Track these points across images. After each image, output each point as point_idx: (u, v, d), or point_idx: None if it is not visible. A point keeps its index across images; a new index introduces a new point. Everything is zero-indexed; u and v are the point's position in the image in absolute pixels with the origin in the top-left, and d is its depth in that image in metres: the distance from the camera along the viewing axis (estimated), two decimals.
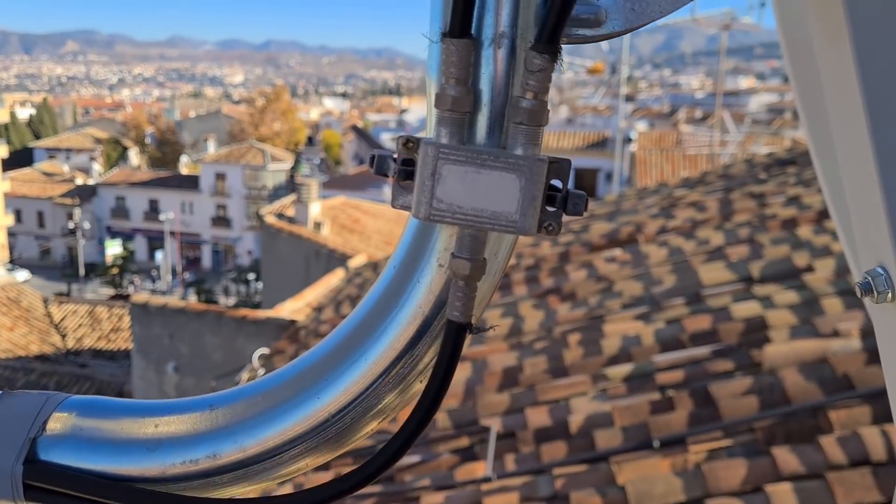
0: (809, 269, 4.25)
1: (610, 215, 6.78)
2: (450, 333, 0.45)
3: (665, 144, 23.73)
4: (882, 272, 0.49)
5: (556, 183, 0.43)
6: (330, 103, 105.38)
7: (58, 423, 0.49)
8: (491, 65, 0.42)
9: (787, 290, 4.10)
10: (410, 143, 0.43)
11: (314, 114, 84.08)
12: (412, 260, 0.46)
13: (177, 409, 0.49)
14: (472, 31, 0.42)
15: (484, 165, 0.41)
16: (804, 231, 4.81)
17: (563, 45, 0.42)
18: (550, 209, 0.43)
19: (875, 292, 0.50)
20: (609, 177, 23.96)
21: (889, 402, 0.55)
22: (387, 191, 28.37)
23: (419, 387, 0.47)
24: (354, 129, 62.58)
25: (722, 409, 3.38)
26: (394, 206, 0.44)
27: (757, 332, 3.82)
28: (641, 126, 28.84)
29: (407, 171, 0.43)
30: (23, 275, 35.15)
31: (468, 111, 0.42)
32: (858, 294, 0.51)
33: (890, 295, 0.49)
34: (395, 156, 0.43)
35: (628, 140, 23.30)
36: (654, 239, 5.57)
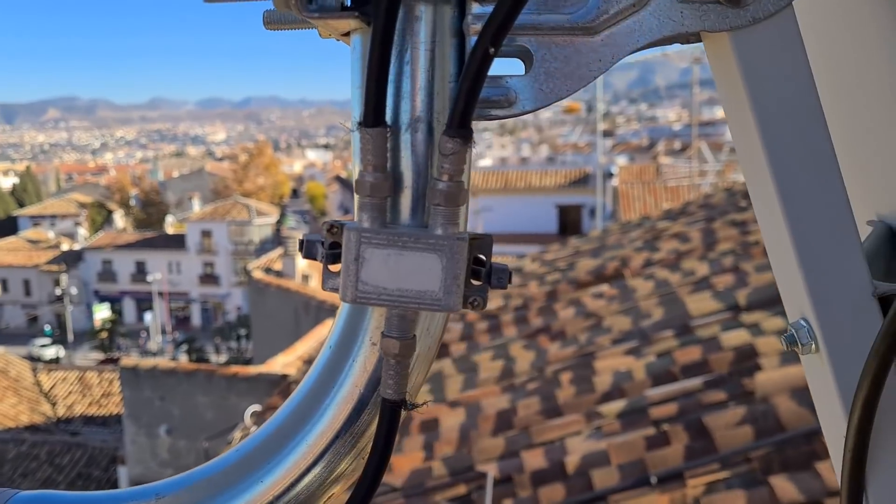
0: None
1: (595, 251, 6.82)
2: (385, 411, 0.45)
3: (646, 177, 24.01)
4: (805, 324, 0.51)
5: (481, 257, 0.44)
6: (312, 155, 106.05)
7: None
8: (409, 148, 0.43)
9: (775, 316, 4.12)
10: (335, 229, 0.44)
11: (297, 166, 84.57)
12: (347, 340, 0.47)
13: (124, 500, 0.49)
14: (389, 119, 0.43)
15: (405, 247, 0.42)
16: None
17: (475, 125, 0.43)
18: (476, 283, 0.44)
19: (799, 344, 0.51)
20: (593, 212, 24.15)
21: None
22: None
23: (360, 464, 0.48)
24: (338, 179, 62.94)
25: (717, 440, 3.37)
26: (324, 289, 0.45)
27: (747, 360, 3.83)
28: (622, 160, 29.21)
29: (334, 254, 0.44)
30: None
31: (387, 195, 0.43)
32: (785, 347, 0.52)
33: (813, 346, 0.51)
34: (322, 240, 0.44)
35: (610, 175, 23.56)
36: (640, 273, 5.61)
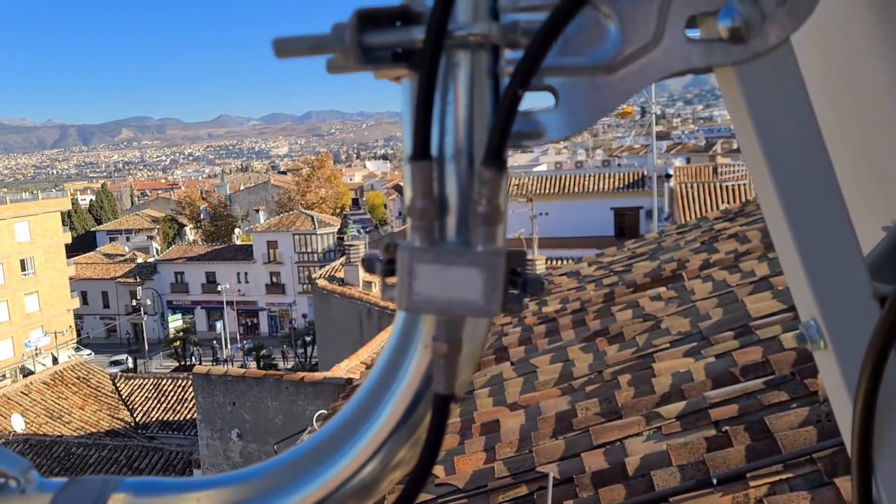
0: None
1: (652, 253, 6.78)
2: (436, 404, 0.52)
3: (703, 178, 23.53)
4: (813, 324, 0.57)
5: (518, 268, 0.51)
6: (372, 166, 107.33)
7: (117, 503, 0.58)
8: (454, 176, 0.50)
9: None
10: (391, 247, 0.51)
11: (358, 177, 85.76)
12: (403, 344, 0.55)
13: (216, 484, 0.58)
14: (435, 151, 0.50)
15: (451, 263, 0.49)
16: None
17: (511, 152, 0.50)
18: (513, 292, 0.50)
19: (810, 342, 0.57)
20: (650, 214, 23.77)
21: None
22: None
23: (416, 452, 0.55)
24: (397, 188, 63.58)
25: (780, 441, 3.34)
26: (383, 299, 0.53)
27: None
28: (678, 162, 28.70)
29: (390, 269, 0.50)
30: (85, 353, 36.41)
31: (434, 219, 0.50)
32: (797, 344, 0.59)
33: (822, 343, 0.56)
34: (381, 257, 0.52)
35: (667, 176, 23.15)
36: (697, 274, 5.56)
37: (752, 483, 3.21)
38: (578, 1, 0.48)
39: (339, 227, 46.92)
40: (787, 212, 0.55)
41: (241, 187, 73.84)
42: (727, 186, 21.14)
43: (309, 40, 0.51)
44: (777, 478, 3.18)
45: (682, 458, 3.48)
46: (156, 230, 58.33)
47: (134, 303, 45.32)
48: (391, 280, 0.50)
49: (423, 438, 0.53)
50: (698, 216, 10.77)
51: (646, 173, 26.75)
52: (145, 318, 43.20)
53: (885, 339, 0.52)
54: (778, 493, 3.11)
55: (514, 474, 3.91)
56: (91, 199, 75.13)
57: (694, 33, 0.52)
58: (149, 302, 44.81)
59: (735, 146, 33.15)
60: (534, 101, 0.53)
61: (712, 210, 16.83)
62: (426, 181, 0.49)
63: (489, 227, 0.49)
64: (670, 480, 3.41)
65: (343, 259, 16.16)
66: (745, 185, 20.33)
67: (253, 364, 33.87)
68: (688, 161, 30.75)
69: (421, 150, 0.49)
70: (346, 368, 8.97)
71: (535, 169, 33.08)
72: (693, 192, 21.73)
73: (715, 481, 3.25)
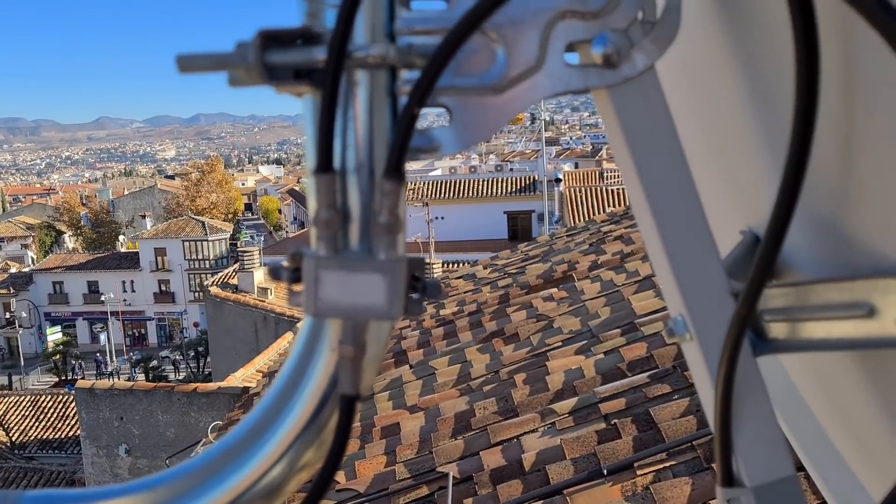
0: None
1: (544, 255, 7.01)
2: (343, 404, 0.54)
3: (590, 182, 24.48)
4: (681, 319, 0.63)
5: (418, 274, 0.54)
6: (265, 170, 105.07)
7: None
8: (356, 188, 0.53)
9: None
10: (297, 256, 0.53)
11: (250, 182, 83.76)
12: (310, 348, 0.58)
13: (121, 493, 0.59)
14: (338, 164, 0.53)
15: (355, 269, 0.52)
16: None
17: (407, 167, 0.53)
18: (414, 296, 0.52)
19: (678, 335, 0.63)
20: (541, 217, 24.46)
21: None
22: None
23: (323, 452, 0.58)
24: (291, 193, 62.48)
25: (664, 431, 3.54)
26: (290, 305, 0.55)
27: None
28: (567, 167, 29.70)
29: (297, 276, 0.53)
30: None
31: (338, 228, 0.53)
32: (666, 338, 0.66)
33: (688, 335, 0.63)
34: (287, 266, 0.54)
35: (557, 181, 23.92)
36: (587, 275, 5.80)
37: (639, 472, 3.39)
38: (469, 27, 0.51)
39: (231, 232, 45.64)
40: (655, 218, 0.60)
41: (126, 192, 70.55)
42: (612, 190, 22.06)
43: (212, 58, 0.53)
44: (661, 466, 3.38)
45: (575, 452, 3.64)
46: (31, 238, 54.85)
47: (7, 315, 42.40)
48: (298, 287, 0.53)
49: (330, 439, 0.56)
50: (586, 219, 11.20)
51: (537, 178, 27.51)
52: (20, 332, 40.55)
53: (739, 330, 0.59)
54: (663, 480, 3.30)
55: (414, 476, 3.96)
56: None
57: (573, 58, 0.57)
58: (24, 314, 42.06)
59: None
60: (429, 118, 0.58)
61: (599, 213, 17.52)
62: (329, 193, 0.52)
63: (390, 235, 0.52)
64: (564, 473, 3.55)
65: (236, 266, 15.75)
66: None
67: (141, 377, 32.44)
68: (576, 166, 31.88)
69: (324, 163, 0.52)
70: (241, 377, 8.77)
71: (431, 174, 33.37)
72: (581, 196, 22.54)
73: (605, 472, 3.42)
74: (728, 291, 0.62)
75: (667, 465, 3.37)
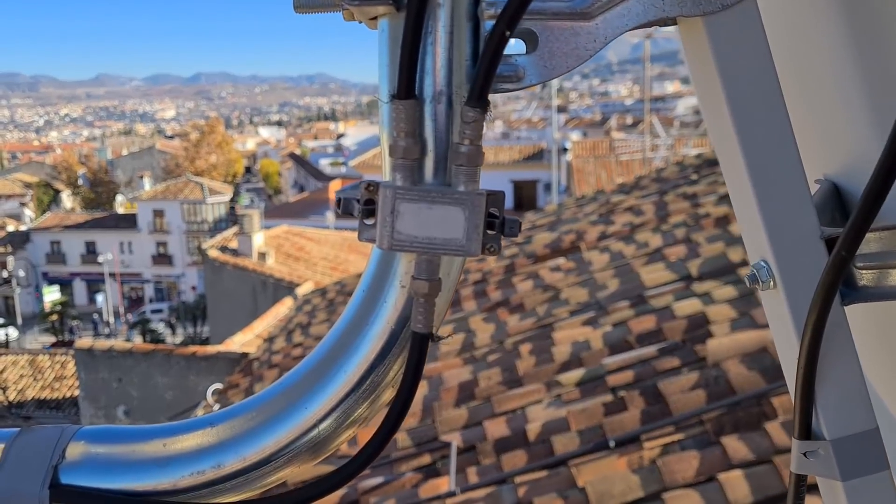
0: (744, 263, 4.43)
1: (551, 225, 6.92)
2: (415, 343, 0.53)
3: (599, 152, 24.28)
4: (764, 265, 0.60)
5: (494, 211, 0.52)
6: (265, 132, 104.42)
7: (75, 450, 0.56)
8: (433, 118, 0.51)
9: (725, 285, 4.27)
10: (371, 187, 0.51)
11: (250, 144, 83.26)
12: (378, 284, 0.55)
13: (181, 430, 0.56)
14: (416, 92, 0.50)
15: (434, 202, 0.50)
16: (737, 227, 5.01)
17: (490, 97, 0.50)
18: (491, 233, 0.51)
19: (760, 282, 0.60)
20: (548, 187, 24.37)
21: None
22: (329, 216, 28.22)
23: (390, 393, 0.56)
24: (292, 156, 62.18)
25: (672, 404, 3.50)
26: (360, 240, 0.52)
27: (699, 327, 3.97)
28: (575, 136, 29.47)
29: (369, 209, 0.51)
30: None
31: (417, 157, 0.50)
32: (748, 284, 0.62)
33: (772, 283, 0.60)
34: (359, 197, 0.51)
35: (564, 150, 23.76)
36: (595, 245, 5.72)
37: (646, 445, 3.35)
38: None
39: (231, 195, 45.45)
40: (745, 156, 0.58)
41: (124, 152, 70.13)
42: (623, 161, 21.89)
43: None
44: (669, 439, 3.34)
45: (581, 423, 3.60)
46: (29, 196, 54.61)
47: (5, 274, 42.38)
48: (369, 220, 0.51)
49: (399, 378, 0.54)
50: (594, 189, 11.08)
51: (544, 146, 27.29)
52: (18, 291, 40.56)
53: (835, 276, 0.56)
54: (670, 454, 3.26)
55: (417, 444, 3.92)
56: None
57: None
58: (22, 273, 42.04)
59: (630, 122, 34.34)
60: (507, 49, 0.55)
61: (608, 183, 17.40)
62: (411, 120, 0.50)
63: (471, 167, 0.50)
64: (570, 445, 3.51)
65: (236, 229, 15.65)
66: (639, 160, 21.11)
67: (138, 339, 32.54)
68: (584, 135, 31.60)
69: (406, 89, 0.50)
70: (240, 342, 8.73)
71: None
72: (589, 166, 22.37)
73: (612, 444, 3.38)
74: (820, 236, 0.59)
75: (675, 438, 3.33)
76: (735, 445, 3.11)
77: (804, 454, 0.60)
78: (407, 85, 0.49)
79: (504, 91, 0.54)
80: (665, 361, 3.81)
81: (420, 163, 0.51)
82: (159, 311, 38.64)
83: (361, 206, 0.51)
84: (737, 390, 3.42)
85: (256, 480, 0.56)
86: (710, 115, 0.61)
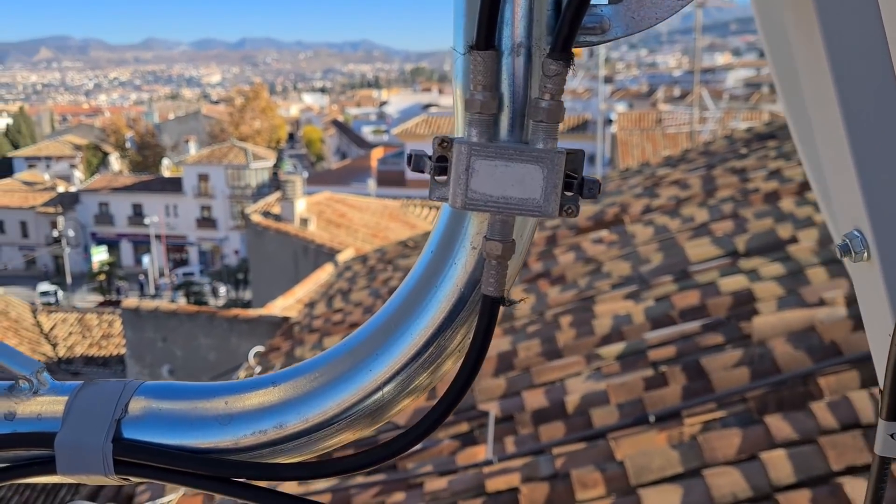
0: (793, 240, 4.32)
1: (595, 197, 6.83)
2: (486, 306, 0.51)
3: (645, 124, 23.84)
4: (858, 234, 0.56)
5: (572, 171, 0.50)
6: (309, 99, 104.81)
7: (137, 405, 0.56)
8: (511, 71, 0.48)
9: (773, 262, 4.17)
10: (445, 143, 0.49)
11: (294, 110, 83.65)
12: (447, 244, 0.53)
13: (243, 388, 0.56)
14: (495, 43, 0.48)
15: (511, 159, 0.48)
16: (787, 203, 4.89)
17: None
18: (568, 194, 0.49)
19: (853, 253, 0.57)
20: (592, 159, 24.07)
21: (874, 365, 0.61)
22: (371, 184, 28.30)
23: (453, 363, 0.54)
24: (335, 123, 62.34)
25: (714, 381, 3.45)
26: (431, 199, 0.50)
27: (745, 304, 3.89)
28: (621, 107, 28.96)
29: (441, 167, 0.49)
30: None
31: (495, 113, 0.48)
32: (839, 255, 0.58)
33: (866, 254, 0.56)
34: (431, 154, 0.49)
35: (609, 122, 23.38)
36: (639, 218, 5.63)
37: (686, 421, 3.31)
38: None
39: (274, 161, 45.85)
40: (845, 119, 0.54)
41: (171, 116, 71.07)
42: (669, 133, 21.47)
43: None
44: (710, 416, 3.30)
45: (621, 397, 3.57)
46: (78, 158, 55.82)
47: (55, 233, 43.54)
48: (441, 179, 0.49)
49: (467, 343, 0.52)
50: (639, 162, 10.87)
51: (589, 117, 26.89)
52: (68, 250, 41.68)
53: None
54: (711, 431, 3.22)
55: (455, 412, 3.94)
56: (7, 123, 71.10)
57: None
58: (71, 233, 43.16)
59: (677, 94, 33.56)
60: None
61: (653, 157, 17.08)
62: (489, 72, 0.48)
63: (551, 123, 0.48)
64: (609, 418, 3.49)
65: (278, 194, 15.80)
66: (686, 132, 20.68)
67: (182, 300, 33.25)
68: (630, 107, 31.01)
69: (486, 39, 0.47)
70: (281, 307, 8.85)
71: None
72: (634, 139, 22.00)
73: (652, 418, 3.35)
74: None
75: (716, 415, 3.29)
76: (779, 424, 3.06)
77: (891, 436, 0.57)
78: (487, 35, 0.47)
79: (587, 45, 0.52)
80: (708, 338, 3.75)
81: (496, 118, 0.49)
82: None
83: (434, 162, 0.49)
84: (782, 369, 3.36)
85: (317, 442, 0.55)
86: (807, 70, 0.58)
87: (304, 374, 0.55)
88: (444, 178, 0.49)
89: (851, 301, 3.55)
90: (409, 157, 0.50)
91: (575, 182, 0.48)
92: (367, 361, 0.53)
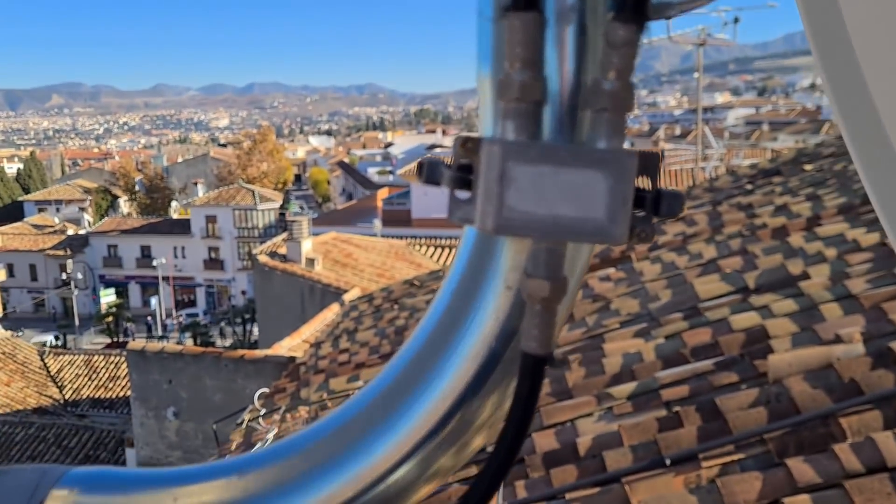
0: (805, 276, 4.25)
1: None
2: (527, 368, 0.37)
3: None
4: None
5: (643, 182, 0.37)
6: (315, 141, 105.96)
7: (58, 499, 0.42)
8: (557, 46, 0.35)
9: (785, 298, 4.09)
10: (469, 144, 0.35)
11: (300, 152, 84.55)
12: (472, 283, 0.39)
13: (198, 477, 0.42)
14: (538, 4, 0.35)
15: (563, 163, 0.34)
16: (796, 239, 4.83)
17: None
18: (639, 213, 0.36)
19: None
20: None
21: None
22: (377, 224, 28.34)
23: (483, 439, 0.41)
24: (341, 164, 62.90)
25: (731, 422, 3.35)
26: (451, 220, 0.36)
27: (758, 342, 3.80)
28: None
29: (464, 177, 0.35)
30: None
31: (539, 100, 0.35)
32: None
33: None
34: (449, 161, 0.36)
35: None
36: (646, 255, 5.58)
37: (704, 463, 3.21)
38: None
39: (280, 202, 46.15)
40: None
41: (179, 159, 71.87)
42: (672, 171, 21.50)
43: None
44: (728, 458, 3.19)
45: (634, 439, 3.47)
46: (88, 201, 56.33)
47: (64, 276, 43.71)
48: (464, 192, 0.35)
49: (500, 416, 0.39)
50: None
51: None
52: (76, 293, 41.78)
53: None
54: (730, 474, 3.12)
55: None
56: (19, 168, 72.00)
57: None
58: (80, 275, 43.33)
59: (678, 132, 33.76)
60: None
61: None
62: (531, 42, 0.34)
63: (618, 114, 0.35)
64: (622, 461, 3.39)
65: (285, 235, 15.83)
66: (689, 170, 20.73)
67: (189, 342, 33.19)
68: (632, 145, 31.25)
69: None
70: (287, 347, 8.79)
71: None
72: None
73: (668, 461, 3.25)
74: None
75: (735, 457, 3.19)
76: (801, 468, 2.95)
77: None
78: None
79: (658, 14, 0.37)
80: (722, 376, 3.65)
81: (539, 109, 0.35)
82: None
83: (454, 171, 0.35)
84: (801, 409, 3.26)
85: None
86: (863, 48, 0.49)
87: (280, 459, 0.41)
88: (469, 192, 0.35)
89: (869, 337, 3.47)
90: (421, 165, 0.36)
91: (648, 196, 0.36)
92: (367, 442, 0.40)
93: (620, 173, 0.34)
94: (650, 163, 0.36)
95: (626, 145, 0.35)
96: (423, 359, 0.40)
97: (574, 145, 0.36)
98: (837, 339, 3.53)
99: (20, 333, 30.89)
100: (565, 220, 0.35)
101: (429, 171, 0.36)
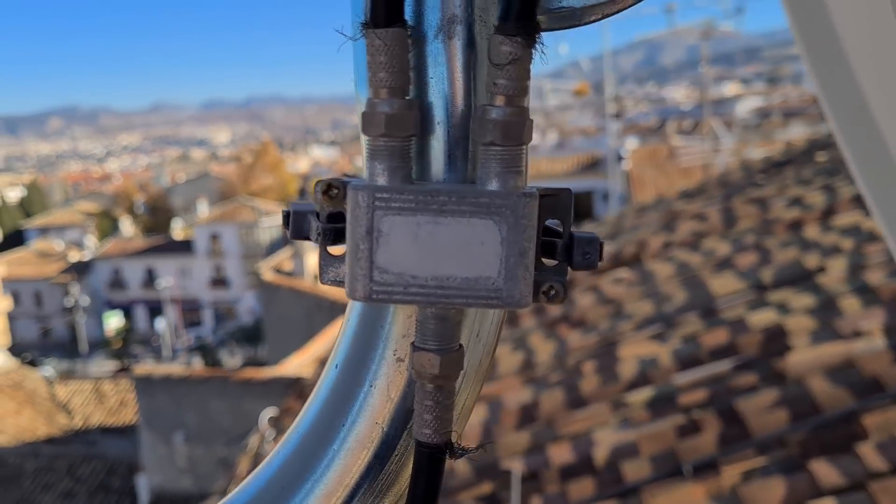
0: (821, 269, 4.14)
1: (611, 235, 6.68)
2: (421, 460, 0.31)
3: (658, 159, 23.75)
4: None
5: (553, 223, 0.30)
6: (318, 152, 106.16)
7: None
8: (442, 64, 0.29)
9: (802, 293, 3.99)
10: (334, 190, 0.29)
11: (303, 164, 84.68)
12: (360, 356, 0.33)
13: None
14: (409, 20, 0.29)
15: (444, 212, 0.28)
16: (811, 231, 4.72)
17: (542, 29, 0.29)
18: (549, 263, 0.30)
19: None
20: (605, 197, 23.98)
21: None
22: None
23: None
24: (345, 176, 62.95)
25: (751, 425, 3.24)
26: (323, 283, 0.31)
27: (776, 340, 3.69)
28: (632, 142, 28.94)
29: (336, 228, 0.29)
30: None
31: (413, 134, 0.28)
32: None
33: None
34: (317, 209, 0.30)
35: (620, 158, 23.30)
36: (658, 255, 5.47)
37: (724, 470, 3.10)
38: None
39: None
40: None
41: (181, 178, 72.09)
42: (683, 167, 21.32)
43: None
44: (750, 464, 3.09)
45: (652, 448, 3.37)
46: (90, 225, 56.48)
47: (69, 302, 43.77)
48: (336, 250, 0.29)
49: None
50: (654, 197, 10.75)
51: (600, 155, 26.83)
52: (83, 319, 41.82)
53: None
54: (752, 481, 3.01)
55: (477, 472, 3.74)
56: (20, 194, 72.28)
57: None
58: (85, 301, 43.39)
59: (688, 126, 33.65)
60: None
61: (668, 191, 16.96)
62: (398, 64, 0.27)
63: (510, 146, 0.28)
64: (641, 471, 3.28)
65: (290, 251, 15.78)
66: (700, 164, 20.57)
67: (197, 363, 33.17)
68: (642, 141, 31.00)
69: (388, 8, 0.27)
70: (296, 365, 8.71)
71: None
72: (647, 174, 21.89)
73: (688, 470, 3.14)
74: None
75: (756, 463, 3.08)
76: (824, 470, 2.84)
77: None
78: (386, 1, 0.27)
79: (563, 14, 0.31)
80: (741, 378, 3.55)
81: (422, 144, 0.29)
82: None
83: (322, 223, 0.29)
84: (822, 408, 3.15)
85: None
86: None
87: None
88: (342, 248, 0.30)
89: (889, 331, 3.36)
90: (286, 215, 0.31)
91: (559, 243, 0.29)
92: None
93: (516, 220, 0.27)
94: (560, 203, 0.29)
95: (525, 182, 0.29)
96: (305, 448, 0.34)
97: (458, 187, 0.29)
98: (857, 334, 3.43)
99: (36, 363, 30.88)
100: (452, 282, 0.28)
101: (295, 225, 0.30)
